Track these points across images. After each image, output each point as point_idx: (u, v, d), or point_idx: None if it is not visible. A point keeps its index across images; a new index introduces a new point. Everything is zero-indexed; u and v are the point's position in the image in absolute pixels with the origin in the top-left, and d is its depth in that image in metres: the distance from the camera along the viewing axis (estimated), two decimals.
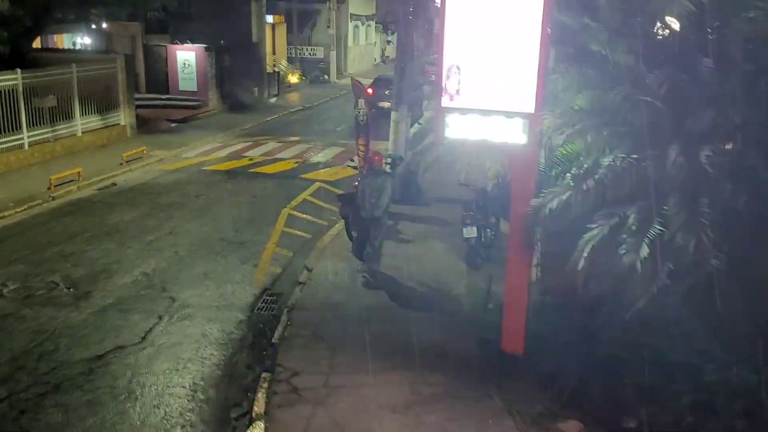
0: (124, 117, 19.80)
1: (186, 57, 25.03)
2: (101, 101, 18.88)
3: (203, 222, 12.64)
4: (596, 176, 6.34)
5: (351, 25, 39.32)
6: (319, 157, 17.89)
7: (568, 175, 6.79)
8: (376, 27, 44.56)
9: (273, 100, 28.97)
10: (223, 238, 11.83)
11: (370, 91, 29.19)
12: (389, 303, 9.32)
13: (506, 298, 7.73)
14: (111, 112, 19.34)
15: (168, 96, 24.90)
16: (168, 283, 9.86)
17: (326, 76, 36.13)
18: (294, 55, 34.80)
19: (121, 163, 16.55)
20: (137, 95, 21.56)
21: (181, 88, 25.14)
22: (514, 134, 7.21)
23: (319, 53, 36.89)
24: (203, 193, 14.55)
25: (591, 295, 6.76)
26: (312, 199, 14.35)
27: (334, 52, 36.24)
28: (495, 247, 10.58)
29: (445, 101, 7.46)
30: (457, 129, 7.48)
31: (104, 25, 25.98)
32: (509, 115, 7.18)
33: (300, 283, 10.03)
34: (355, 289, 9.68)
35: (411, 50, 13.80)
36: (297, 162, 17.27)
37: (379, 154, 11.73)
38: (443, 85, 7.41)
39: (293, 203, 13.99)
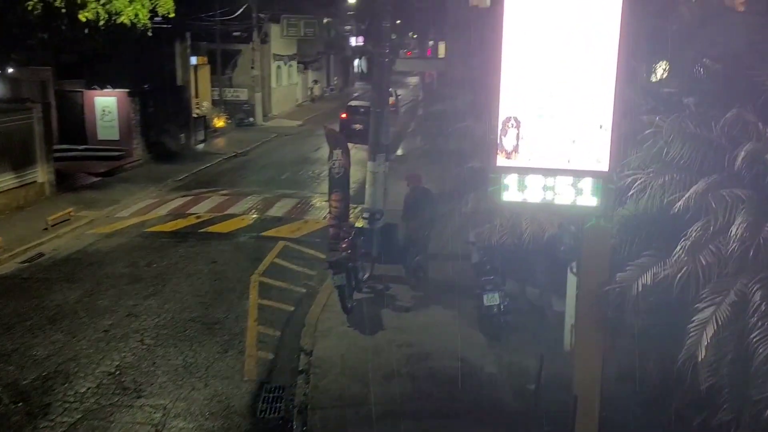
0: (41, 173, 17.49)
1: (106, 103, 22.83)
2: (15, 157, 16.57)
3: (164, 298, 10.84)
4: (714, 247, 5.37)
5: (274, 66, 37.97)
6: (274, 211, 16.30)
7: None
8: (297, 67, 43.40)
9: (201, 146, 27.05)
10: (193, 318, 10.11)
11: (344, 115, 28.06)
12: (419, 391, 7.97)
13: (577, 390, 6.58)
14: (27, 169, 17.01)
15: (86, 146, 22.50)
16: (142, 384, 8.08)
17: (251, 119, 34.46)
18: (218, 98, 32.99)
19: (46, 228, 14.37)
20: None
21: (100, 137, 22.84)
22: (583, 196, 6.17)
23: (243, 95, 35.24)
24: (153, 261, 12.67)
25: (700, 388, 5.70)
26: (281, 262, 12.80)
27: (260, 93, 34.70)
28: (510, 313, 9.47)
29: (500, 160, 6.31)
30: (516, 192, 6.36)
31: (10, 70, 23.35)
32: (578, 174, 6.13)
33: (301, 371, 8.52)
34: (371, 375, 8.26)
35: (387, 93, 12.69)
36: (252, 218, 15.62)
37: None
38: (498, 142, 6.28)
39: (261, 268, 12.40)
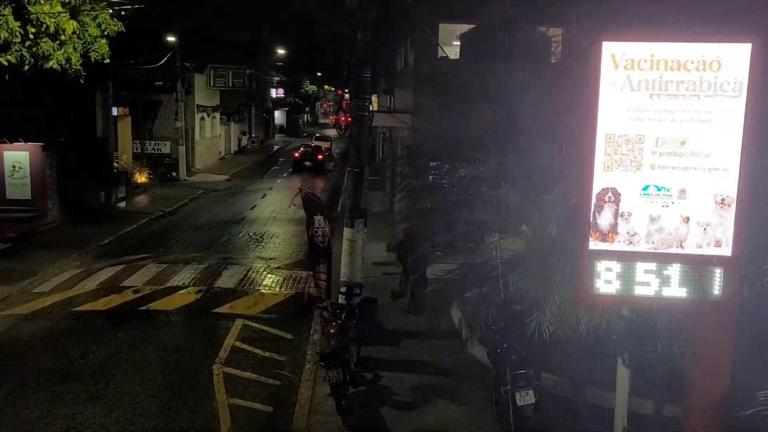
0: None
1: (16, 158, 20.24)
2: None
3: (110, 403, 8.81)
4: None
5: (197, 117, 36.00)
6: (223, 282, 14.41)
7: None
8: (220, 119, 41.51)
9: (123, 204, 24.62)
10: (152, 430, 8.16)
11: (297, 154, 30.81)
12: None
13: None
14: None
15: None
16: None
17: (175, 173, 32.20)
18: (139, 151, 30.63)
19: None
20: None
21: (9, 197, 20.14)
22: (701, 286, 5.04)
23: (165, 148, 33.00)
24: (89, 350, 10.56)
25: None
26: (243, 346, 10.98)
27: (183, 146, 32.58)
28: (542, 410, 8.14)
29: (594, 243, 5.10)
30: (613, 282, 5.14)
31: None
32: (695, 261, 5.00)
33: None
34: None
35: (366, 151, 11.35)
36: (199, 290, 13.67)
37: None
38: (591, 220, 5.06)
39: (222, 354, 10.55)
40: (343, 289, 11.04)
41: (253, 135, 53.95)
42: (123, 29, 14.03)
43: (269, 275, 15.13)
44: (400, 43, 20.27)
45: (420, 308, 12.18)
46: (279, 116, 73.55)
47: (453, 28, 16.23)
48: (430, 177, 13.82)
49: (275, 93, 63.91)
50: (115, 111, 26.23)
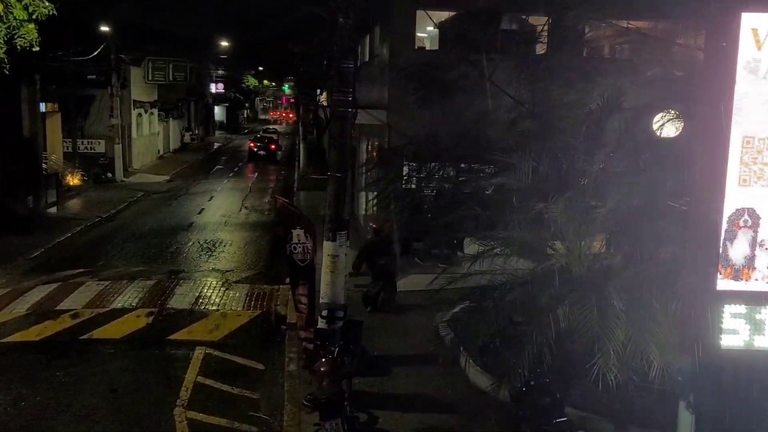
0: None
1: None
2: None
3: None
4: None
5: (134, 114, 33.58)
6: (176, 301, 12.67)
7: None
8: (159, 115, 39.04)
9: (54, 210, 22.31)
10: None
11: (251, 144, 33.42)
12: None
13: None
14: None
15: None
16: None
17: (111, 174, 29.84)
18: (70, 151, 28.11)
19: None
20: None
21: None
22: None
23: (99, 147, 30.52)
24: (21, 395, 8.76)
25: None
26: (209, 382, 9.38)
27: (119, 145, 30.20)
28: None
29: (723, 281, 3.86)
30: (747, 333, 3.91)
31: None
32: None
33: None
34: None
35: (349, 153, 9.87)
36: (150, 313, 11.91)
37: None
38: (721, 251, 3.82)
39: (183, 394, 8.95)
40: (324, 313, 9.57)
41: (194, 132, 51.42)
42: (54, 12, 12.07)
43: (229, 291, 13.46)
44: (363, 32, 18.83)
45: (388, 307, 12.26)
46: (219, 112, 70.87)
47: (424, 16, 14.92)
48: (415, 181, 12.52)
49: (215, 88, 61.34)
50: (43, 107, 23.76)
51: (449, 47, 14.15)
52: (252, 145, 42.20)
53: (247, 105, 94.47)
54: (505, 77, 11.78)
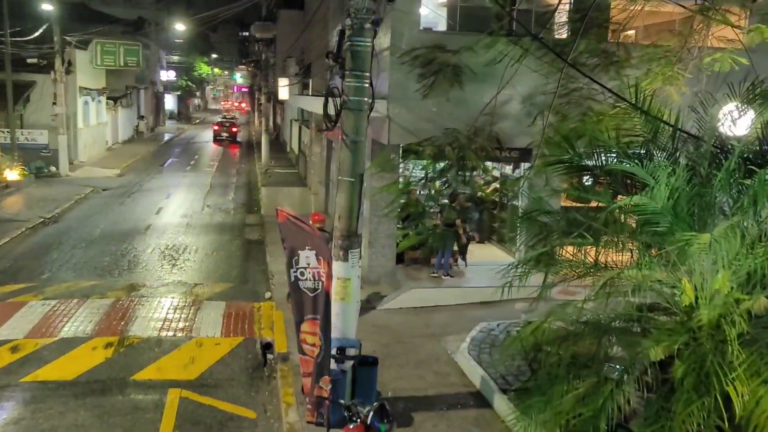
0: None
1: None
2: None
3: None
4: None
5: (80, 101, 30.76)
6: (141, 326, 10.61)
7: None
8: (107, 103, 36.15)
9: None
10: None
11: (216, 127, 40.68)
12: None
13: None
14: None
15: None
16: None
17: (54, 168, 27.16)
18: (8, 142, 25.32)
19: None
20: None
21: None
22: None
23: (41, 138, 27.69)
24: None
25: None
26: None
27: (64, 135, 27.45)
28: None
29: None
30: None
31: None
32: None
33: None
34: None
35: (363, 154, 7.96)
36: (108, 344, 9.83)
37: None
38: None
39: None
40: (332, 350, 7.71)
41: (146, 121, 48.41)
42: None
43: (201, 312, 11.46)
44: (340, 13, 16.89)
45: None
46: (169, 101, 67.57)
47: None
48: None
49: (166, 75, 58.21)
50: None
51: (460, 27, 12.50)
52: (216, 128, 47.53)
53: (198, 94, 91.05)
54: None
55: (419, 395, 8.60)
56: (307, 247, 6.89)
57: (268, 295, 12.64)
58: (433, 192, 10.91)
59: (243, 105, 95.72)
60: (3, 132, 25.35)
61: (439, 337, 10.56)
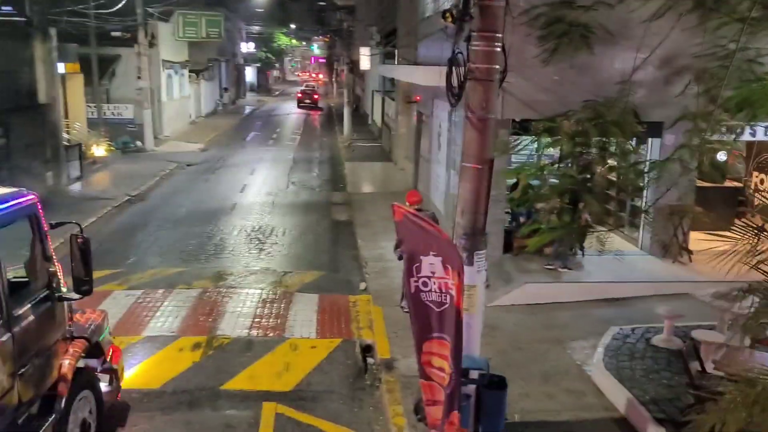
0: None
1: None
2: None
3: None
4: None
5: (164, 75, 30.53)
6: (230, 323, 9.72)
7: None
8: (189, 77, 35.95)
9: (77, 186, 19.58)
10: None
11: (300, 95, 48.81)
12: None
13: None
14: None
15: None
16: None
17: (139, 143, 27.02)
18: (95, 116, 25.24)
19: None
20: None
21: None
22: None
23: (127, 112, 27.61)
24: None
25: None
26: None
27: (149, 110, 27.24)
28: None
29: None
30: None
31: None
32: None
33: None
34: None
35: (494, 134, 6.58)
36: (196, 345, 8.96)
37: None
38: None
39: None
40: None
41: (224, 94, 48.37)
42: None
43: (293, 306, 10.47)
44: None
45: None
46: (249, 73, 67.63)
47: None
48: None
49: (246, 47, 58.02)
50: (62, 68, 20.83)
51: None
52: (300, 95, 52.79)
53: (277, 66, 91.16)
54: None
55: (551, 420, 7.28)
56: (431, 253, 5.61)
57: (363, 286, 11.54)
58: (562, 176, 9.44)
59: (320, 76, 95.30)
60: (90, 107, 25.24)
61: (563, 343, 9.16)
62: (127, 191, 18.97)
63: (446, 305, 5.62)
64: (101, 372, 6.71)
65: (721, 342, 8.05)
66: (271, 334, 9.36)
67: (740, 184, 14.51)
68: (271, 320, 9.84)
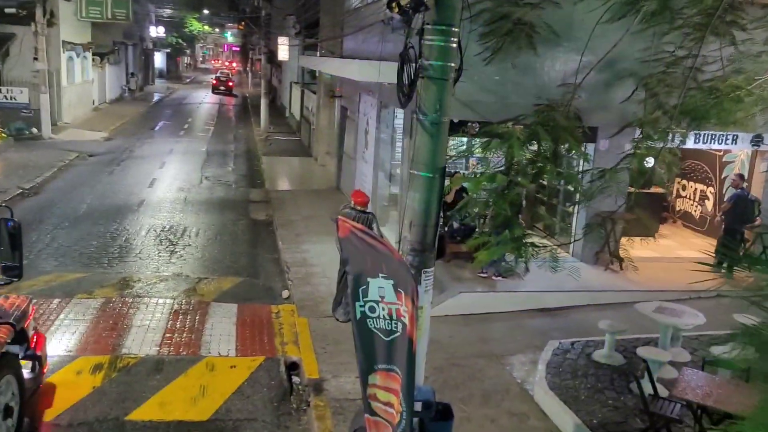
0: None
1: None
2: None
3: None
4: None
5: (64, 57, 28.20)
6: (136, 339, 8.64)
7: None
8: (93, 60, 33.50)
9: None
10: None
11: (215, 81, 49.23)
12: None
13: None
14: None
15: None
16: None
17: (36, 130, 24.84)
18: None
19: None
20: None
21: None
22: None
23: (21, 96, 25.26)
24: None
25: None
26: None
27: (46, 94, 25.04)
28: None
29: None
30: None
31: None
32: None
33: None
34: None
35: (446, 138, 5.90)
36: (97, 365, 7.87)
37: None
38: None
39: None
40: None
41: (131, 81, 45.68)
42: None
43: (209, 318, 9.51)
44: None
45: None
46: (158, 59, 64.47)
47: None
48: None
49: (156, 31, 55.18)
50: None
51: None
52: (215, 82, 53.95)
53: (188, 52, 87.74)
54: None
55: None
56: (381, 275, 4.90)
57: (285, 294, 10.71)
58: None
59: (234, 65, 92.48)
60: None
61: (501, 358, 8.70)
62: (20, 183, 17.18)
63: (396, 334, 4.93)
64: (24, 358, 6.52)
65: (667, 360, 7.81)
66: (184, 352, 8.37)
67: (664, 190, 14.64)
68: (184, 335, 8.84)
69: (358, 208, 9.42)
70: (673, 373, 7.81)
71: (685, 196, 15.00)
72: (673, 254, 12.70)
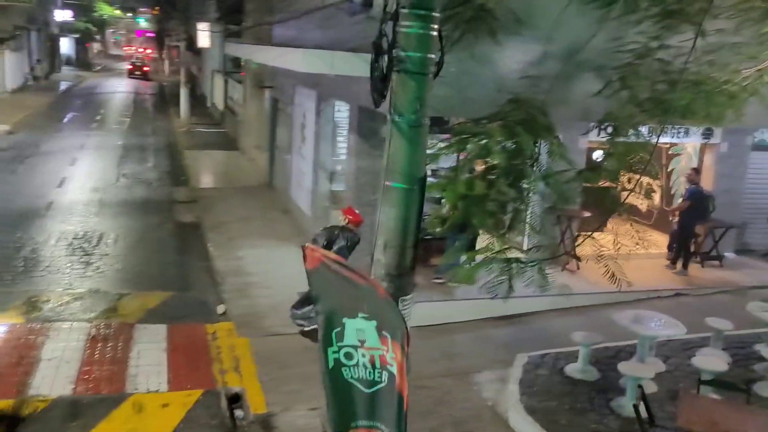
0: None
1: None
2: None
3: None
4: None
5: None
6: (47, 376, 7.32)
7: None
8: None
9: None
10: None
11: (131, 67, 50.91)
12: None
13: None
14: None
15: None
16: None
17: None
18: None
19: None
20: None
21: None
22: None
23: None
24: None
25: None
26: None
27: None
28: None
29: None
30: None
31: None
32: None
33: None
34: None
35: (426, 144, 4.96)
36: (1, 416, 6.59)
37: None
38: None
39: None
40: None
41: (36, 68, 42.43)
42: None
43: (135, 343, 8.28)
44: None
45: None
46: (65, 45, 60.48)
47: None
48: None
49: (62, 15, 51.58)
50: None
51: None
52: (131, 67, 54.82)
53: (98, 38, 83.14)
54: None
55: None
56: (360, 314, 3.96)
57: (221, 309, 9.58)
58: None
59: (148, 51, 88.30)
60: None
61: (468, 376, 7.94)
62: None
63: (381, 384, 3.97)
64: None
65: (651, 376, 7.23)
66: (106, 391, 7.14)
67: (614, 185, 14.28)
68: (105, 368, 7.60)
69: (350, 227, 8.37)
70: (652, 387, 7.27)
71: (631, 189, 14.71)
72: (624, 250, 12.30)
